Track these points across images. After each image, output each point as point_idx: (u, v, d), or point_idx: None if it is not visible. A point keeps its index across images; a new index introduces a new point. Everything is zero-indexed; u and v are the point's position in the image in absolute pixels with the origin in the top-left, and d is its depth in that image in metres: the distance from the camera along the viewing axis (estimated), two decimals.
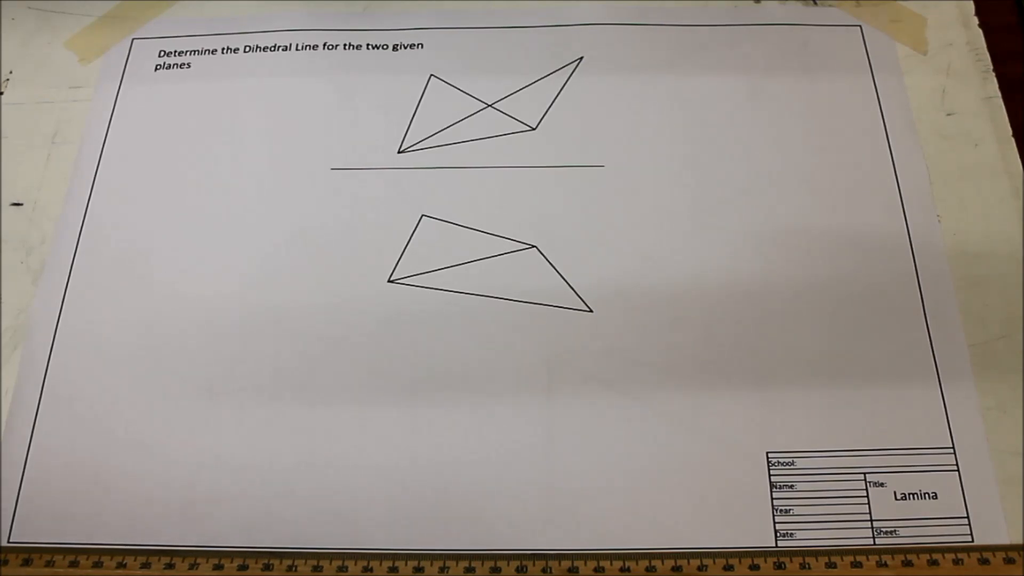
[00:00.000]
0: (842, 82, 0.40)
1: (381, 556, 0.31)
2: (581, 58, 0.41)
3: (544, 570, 0.31)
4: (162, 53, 0.42)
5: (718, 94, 0.40)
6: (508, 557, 0.31)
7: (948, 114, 0.39)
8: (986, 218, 0.37)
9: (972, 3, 0.42)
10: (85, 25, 0.43)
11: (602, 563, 0.31)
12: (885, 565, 0.31)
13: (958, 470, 0.32)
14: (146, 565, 0.31)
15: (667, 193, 0.38)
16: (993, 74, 0.40)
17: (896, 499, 0.32)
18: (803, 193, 0.38)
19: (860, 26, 0.42)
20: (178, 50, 0.42)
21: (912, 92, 0.40)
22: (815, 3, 0.42)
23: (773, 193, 0.38)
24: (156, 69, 0.42)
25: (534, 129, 0.40)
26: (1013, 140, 0.39)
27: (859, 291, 0.36)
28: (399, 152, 0.39)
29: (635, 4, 0.43)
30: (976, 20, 0.42)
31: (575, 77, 0.41)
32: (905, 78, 0.40)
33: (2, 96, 0.41)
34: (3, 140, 0.40)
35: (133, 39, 0.42)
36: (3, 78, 0.41)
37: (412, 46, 0.42)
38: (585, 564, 0.31)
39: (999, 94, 0.40)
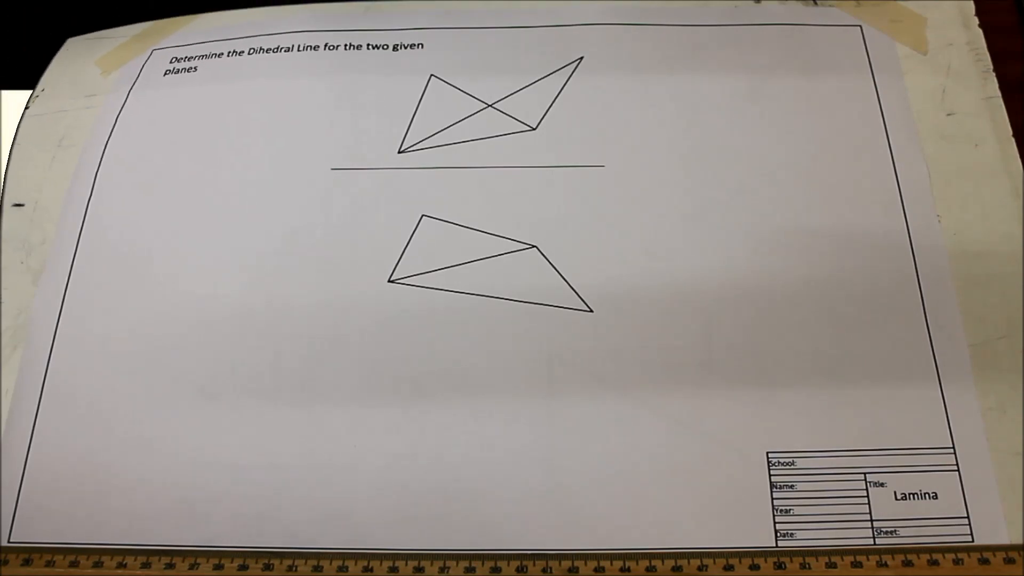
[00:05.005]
0: (842, 82, 0.40)
1: (381, 556, 0.31)
2: (581, 58, 0.41)
3: (544, 570, 0.31)
4: (173, 60, 0.43)
5: (718, 94, 0.40)
6: (508, 557, 0.31)
7: (948, 114, 0.39)
8: (986, 218, 0.37)
9: (972, 3, 0.42)
10: (117, 45, 0.44)
11: (602, 563, 0.31)
12: (885, 565, 0.31)
13: (958, 470, 0.32)
14: (146, 565, 0.31)
15: (667, 193, 0.38)
16: (993, 74, 0.40)
17: (896, 499, 0.32)
18: (803, 193, 0.38)
19: (860, 26, 0.42)
20: (188, 56, 0.42)
21: (912, 92, 0.40)
22: (815, 3, 0.42)
23: (773, 193, 0.38)
24: (165, 74, 0.42)
25: (534, 129, 0.40)
26: (1013, 140, 0.38)
27: (859, 291, 0.36)
28: (399, 152, 0.39)
29: (635, 4, 0.43)
30: (976, 20, 0.42)
31: (575, 77, 0.41)
32: (905, 78, 0.40)
33: (28, 110, 0.41)
34: (15, 145, 0.40)
35: (153, 50, 0.43)
36: (35, 95, 0.42)
37: (412, 46, 0.42)
38: (585, 564, 0.31)
39: (999, 94, 0.40)
